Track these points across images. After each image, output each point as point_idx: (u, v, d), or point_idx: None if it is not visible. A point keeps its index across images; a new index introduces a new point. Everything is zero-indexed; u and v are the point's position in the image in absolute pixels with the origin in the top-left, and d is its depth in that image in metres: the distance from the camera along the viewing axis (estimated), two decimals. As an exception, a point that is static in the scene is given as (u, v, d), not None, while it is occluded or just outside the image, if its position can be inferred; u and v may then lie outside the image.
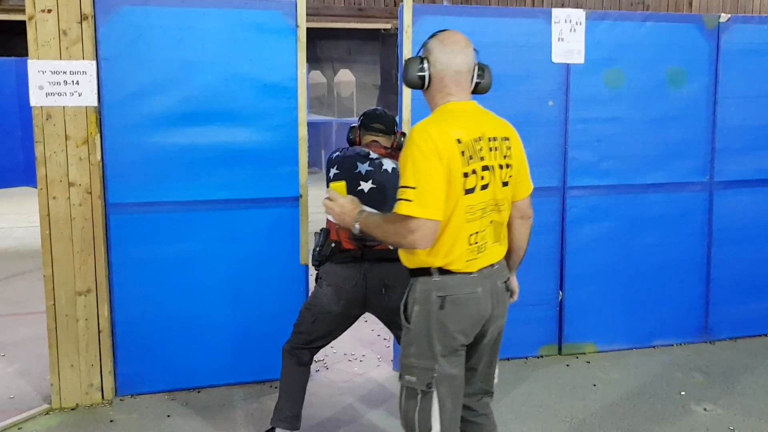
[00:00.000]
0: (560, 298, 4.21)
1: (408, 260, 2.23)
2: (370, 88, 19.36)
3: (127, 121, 3.54)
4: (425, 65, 2.20)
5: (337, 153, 3.16)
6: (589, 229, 4.20)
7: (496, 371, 2.45)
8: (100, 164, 3.52)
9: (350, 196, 2.32)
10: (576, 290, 4.23)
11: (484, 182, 2.13)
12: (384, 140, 3.17)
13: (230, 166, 3.69)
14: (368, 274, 2.99)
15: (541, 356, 4.23)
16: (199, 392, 3.78)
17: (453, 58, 2.18)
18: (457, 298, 2.15)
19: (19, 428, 3.39)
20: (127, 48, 3.49)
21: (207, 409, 3.59)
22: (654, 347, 4.38)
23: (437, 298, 2.14)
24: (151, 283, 3.68)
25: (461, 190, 2.08)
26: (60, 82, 3.40)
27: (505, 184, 2.21)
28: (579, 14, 4.01)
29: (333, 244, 3.00)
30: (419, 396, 2.16)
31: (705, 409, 3.59)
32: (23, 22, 3.40)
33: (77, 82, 3.42)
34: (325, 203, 2.31)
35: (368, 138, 3.18)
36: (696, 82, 4.26)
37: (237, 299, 3.81)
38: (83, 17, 3.39)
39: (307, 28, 3.70)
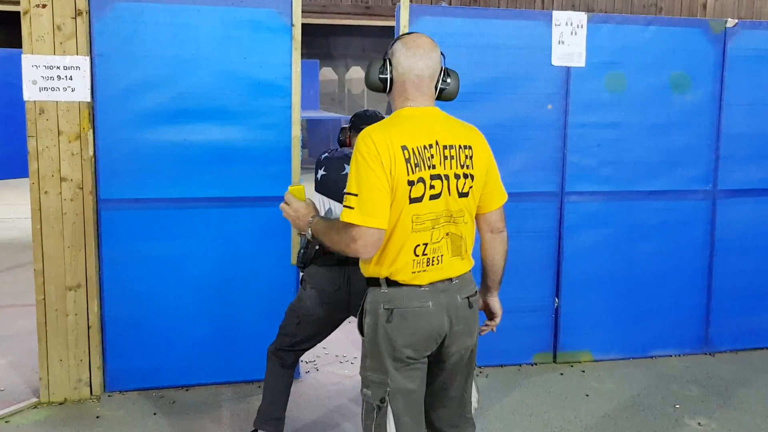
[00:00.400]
0: (556, 305, 4.14)
1: (363, 269, 2.18)
2: (382, 87, 19.31)
3: (120, 117, 3.53)
4: (387, 68, 2.14)
5: (326, 154, 3.13)
6: (587, 236, 4.14)
7: (474, 396, 2.35)
8: (93, 160, 3.52)
9: (307, 200, 2.28)
10: (572, 297, 4.16)
11: (434, 192, 2.04)
12: None
13: (223, 164, 3.68)
14: (352, 276, 2.95)
15: (535, 364, 4.17)
16: (186, 390, 3.77)
17: (416, 62, 2.11)
18: (404, 311, 2.07)
19: (6, 421, 3.39)
20: (121, 44, 3.48)
21: (194, 407, 3.58)
22: (652, 358, 4.31)
23: (384, 311, 2.09)
24: (142, 279, 3.67)
25: (405, 198, 2.00)
26: (53, 77, 3.40)
27: (463, 194, 2.10)
28: (580, 17, 3.94)
29: (317, 247, 2.96)
30: (375, 411, 2.10)
31: (699, 424, 3.51)
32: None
33: (71, 78, 3.42)
34: (281, 207, 2.28)
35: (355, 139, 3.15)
36: (701, 88, 4.17)
37: (227, 298, 3.79)
38: (78, 13, 3.39)
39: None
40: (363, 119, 3.15)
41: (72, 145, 3.47)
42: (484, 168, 2.16)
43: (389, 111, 2.25)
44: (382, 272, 2.09)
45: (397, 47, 2.15)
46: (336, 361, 4.19)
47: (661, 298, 4.28)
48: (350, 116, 3.30)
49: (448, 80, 2.18)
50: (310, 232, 2.19)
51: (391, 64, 2.14)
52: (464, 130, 2.17)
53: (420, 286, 2.08)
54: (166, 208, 3.65)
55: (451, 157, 2.07)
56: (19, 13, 3.38)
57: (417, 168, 2.01)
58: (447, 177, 2.06)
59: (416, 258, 2.06)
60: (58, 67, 3.40)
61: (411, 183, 2.00)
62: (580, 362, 4.21)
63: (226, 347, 3.83)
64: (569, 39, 3.92)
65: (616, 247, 4.18)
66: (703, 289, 4.34)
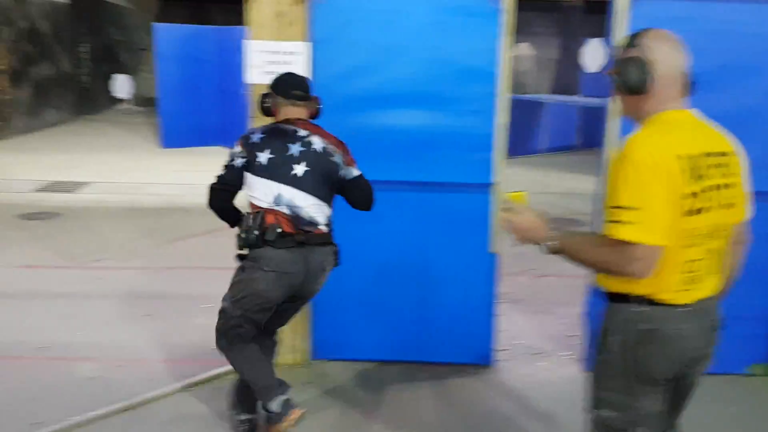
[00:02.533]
0: (772, 313, 3.80)
1: (606, 282, 2.02)
2: (546, 63, 18.67)
3: (333, 102, 3.63)
4: (646, 68, 1.92)
5: (260, 134, 2.90)
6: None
7: None
8: (305, 141, 3.69)
9: (537, 211, 2.06)
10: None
11: (705, 204, 1.89)
12: (302, 110, 2.97)
13: (426, 149, 3.72)
14: (309, 257, 2.87)
15: (750, 375, 3.87)
16: (384, 365, 3.90)
17: (678, 57, 1.94)
18: (664, 333, 1.94)
19: (219, 379, 3.70)
20: (336, 31, 3.60)
21: (392, 382, 3.73)
22: None
23: (641, 331, 1.94)
24: (347, 259, 3.81)
25: (679, 212, 1.85)
26: (275, 62, 3.59)
27: (727, 206, 1.96)
28: (827, -3, 3.51)
29: (278, 229, 2.81)
30: None
31: None
32: None
33: (291, 63, 3.59)
34: (505, 217, 2.05)
35: (286, 108, 2.95)
36: None
37: (424, 281, 3.86)
38: (298, 0, 3.54)
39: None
40: (290, 84, 2.96)
41: (287, 127, 3.65)
42: (741, 176, 2.02)
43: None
44: (639, 289, 1.93)
45: (651, 42, 1.94)
46: (527, 352, 4.14)
47: None
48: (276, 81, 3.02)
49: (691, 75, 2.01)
50: (550, 245, 1.97)
51: (648, 62, 1.92)
52: (721, 135, 2.02)
53: (682, 305, 1.95)
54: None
55: (718, 166, 1.93)
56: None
57: (693, 179, 1.86)
58: (717, 188, 1.92)
59: (683, 276, 1.93)
60: (280, 53, 3.58)
61: (687, 196, 1.86)
62: (797, 376, 3.85)
63: (423, 328, 3.91)
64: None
65: None
66: None
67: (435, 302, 3.89)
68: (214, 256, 5.86)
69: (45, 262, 5.60)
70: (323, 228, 2.95)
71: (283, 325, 3.17)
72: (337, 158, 2.97)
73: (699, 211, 1.88)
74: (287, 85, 2.96)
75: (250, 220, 2.85)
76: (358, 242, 3.79)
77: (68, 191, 8.07)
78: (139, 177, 8.94)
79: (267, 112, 3.01)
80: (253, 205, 2.89)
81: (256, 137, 2.91)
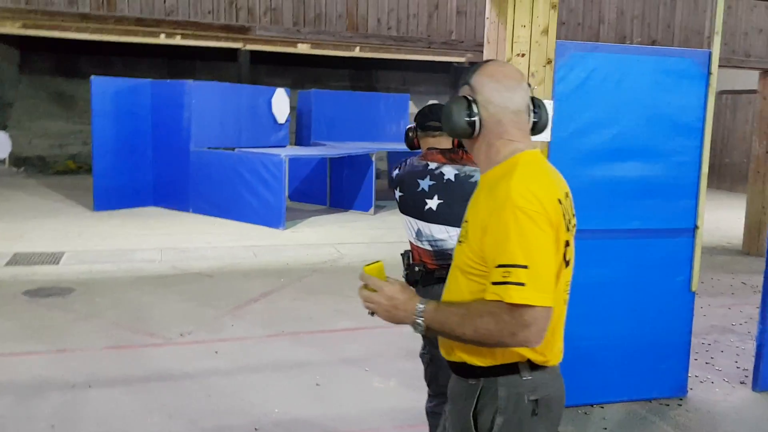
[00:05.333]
0: None
1: (478, 356, 1.70)
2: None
3: (567, 156, 3.86)
4: (474, 108, 1.74)
5: (397, 171, 2.99)
6: None
7: None
8: (544, 194, 3.83)
9: (399, 282, 1.74)
10: None
11: (571, 252, 1.74)
12: (443, 140, 2.95)
13: (641, 199, 4.03)
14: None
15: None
16: (602, 407, 4.06)
17: (510, 96, 1.74)
18: (550, 398, 1.74)
19: None
20: (574, 89, 3.83)
21: (619, 423, 3.89)
22: None
23: (530, 403, 1.70)
24: (572, 303, 3.95)
25: (563, 263, 1.67)
26: (524, 119, 3.71)
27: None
28: None
29: (419, 268, 2.85)
30: None
31: None
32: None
33: (537, 120, 3.73)
34: (361, 294, 1.72)
35: (425, 139, 2.98)
36: None
37: (632, 322, 4.11)
38: (547, 61, 3.73)
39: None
40: (425, 116, 2.98)
41: (531, 181, 3.77)
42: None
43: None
44: (530, 354, 1.69)
45: (481, 81, 1.75)
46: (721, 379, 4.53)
47: None
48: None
49: (539, 111, 1.83)
50: (421, 322, 1.66)
51: (476, 102, 1.74)
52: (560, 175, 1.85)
53: (556, 365, 1.78)
54: (594, 239, 3.96)
55: (571, 209, 1.79)
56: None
57: (570, 224, 1.71)
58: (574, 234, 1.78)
59: (562, 332, 1.78)
60: (529, 110, 3.71)
61: (567, 243, 1.69)
62: None
63: (632, 368, 4.14)
64: None
65: None
66: None
67: (641, 342, 4.15)
68: (297, 318, 5.62)
69: (128, 342, 4.99)
70: None
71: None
72: (479, 177, 3.01)
73: (570, 260, 1.75)
74: (424, 118, 2.98)
75: (404, 259, 2.94)
76: (588, 288, 3.97)
77: (52, 263, 7.15)
78: (118, 243, 8.16)
79: (411, 145, 3.05)
80: (410, 243, 2.95)
81: (395, 173, 2.98)
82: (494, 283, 1.57)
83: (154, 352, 4.82)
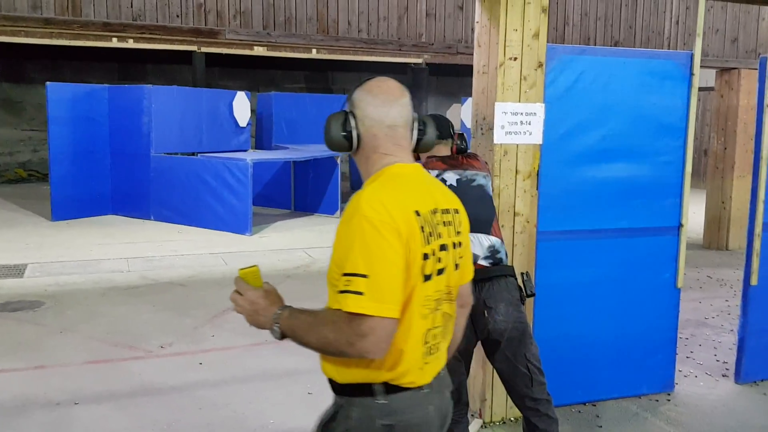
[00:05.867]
0: None
1: (336, 371, 1.70)
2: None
3: (557, 158, 3.90)
4: (351, 122, 1.76)
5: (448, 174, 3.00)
6: None
7: None
8: (536, 196, 3.87)
9: (266, 287, 1.75)
10: None
11: (441, 265, 1.72)
12: (441, 148, 3.01)
13: (627, 198, 4.10)
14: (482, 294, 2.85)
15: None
16: (594, 405, 4.12)
17: (386, 111, 1.76)
18: (408, 424, 1.68)
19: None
20: (564, 92, 3.87)
21: (614, 420, 3.95)
22: None
23: (382, 428, 1.66)
24: (564, 303, 4.02)
25: (419, 276, 1.65)
26: (517, 122, 3.74)
27: (457, 266, 1.82)
28: None
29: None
30: None
31: None
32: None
33: (529, 123, 3.77)
34: (232, 299, 1.74)
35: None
36: None
37: (621, 319, 4.18)
38: (539, 64, 3.76)
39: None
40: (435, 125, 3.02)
41: (525, 183, 3.81)
42: (467, 235, 1.90)
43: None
44: (382, 376, 1.66)
45: (359, 96, 1.78)
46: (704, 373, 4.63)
47: None
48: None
49: (424, 128, 1.87)
50: (277, 329, 1.66)
51: (354, 117, 1.77)
52: (448, 191, 1.89)
53: (422, 387, 1.72)
54: (585, 239, 4.02)
55: (449, 224, 1.78)
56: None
57: (431, 237, 1.69)
58: (447, 247, 1.76)
59: (423, 349, 1.71)
60: (521, 113, 3.75)
61: (426, 256, 1.67)
62: None
63: (621, 365, 4.20)
64: None
65: None
66: None
67: (628, 338, 4.22)
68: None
69: (108, 355, 4.84)
70: (482, 262, 2.88)
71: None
72: (481, 179, 3.02)
73: (440, 272, 1.73)
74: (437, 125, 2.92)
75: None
76: (578, 287, 4.02)
77: (15, 276, 6.88)
78: (82, 253, 7.91)
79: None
80: None
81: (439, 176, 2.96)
82: (339, 292, 1.57)
83: (136, 366, 4.68)
